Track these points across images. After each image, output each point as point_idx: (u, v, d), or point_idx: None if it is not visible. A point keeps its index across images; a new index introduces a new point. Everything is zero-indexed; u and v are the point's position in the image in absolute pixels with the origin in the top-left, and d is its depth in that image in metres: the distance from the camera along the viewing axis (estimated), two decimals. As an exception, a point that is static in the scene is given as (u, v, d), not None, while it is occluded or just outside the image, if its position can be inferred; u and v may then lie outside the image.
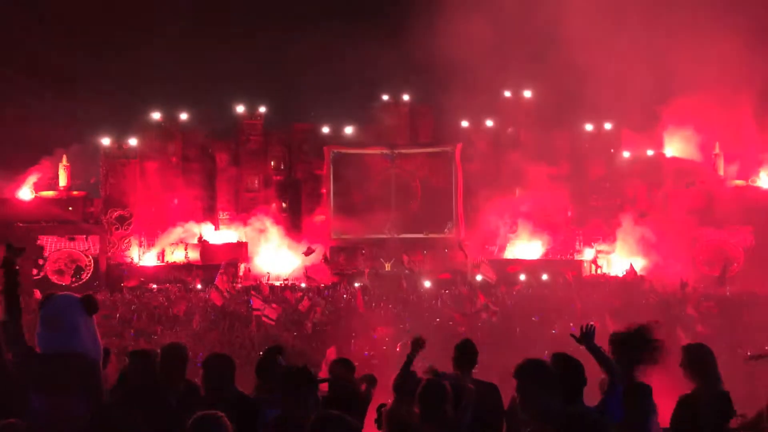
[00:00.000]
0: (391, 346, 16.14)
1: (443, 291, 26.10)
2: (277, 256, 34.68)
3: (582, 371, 4.30)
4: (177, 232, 35.58)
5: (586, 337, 4.43)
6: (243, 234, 36.17)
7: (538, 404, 3.89)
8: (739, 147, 34.20)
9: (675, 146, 35.90)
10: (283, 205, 38.13)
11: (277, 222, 36.33)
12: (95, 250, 32.51)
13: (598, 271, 32.38)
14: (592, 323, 4.53)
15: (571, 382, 4.19)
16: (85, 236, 32.54)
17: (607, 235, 34.52)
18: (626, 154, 36.31)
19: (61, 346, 4.11)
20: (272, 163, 39.04)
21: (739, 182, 33.80)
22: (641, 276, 28.32)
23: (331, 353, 12.61)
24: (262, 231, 35.82)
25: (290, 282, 30.17)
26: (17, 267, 4.29)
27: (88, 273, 32.06)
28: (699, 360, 4.92)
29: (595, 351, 4.41)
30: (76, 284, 31.01)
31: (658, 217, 32.03)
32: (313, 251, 32.84)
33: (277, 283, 29.28)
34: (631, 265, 28.93)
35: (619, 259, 32.88)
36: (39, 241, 31.56)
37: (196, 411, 3.55)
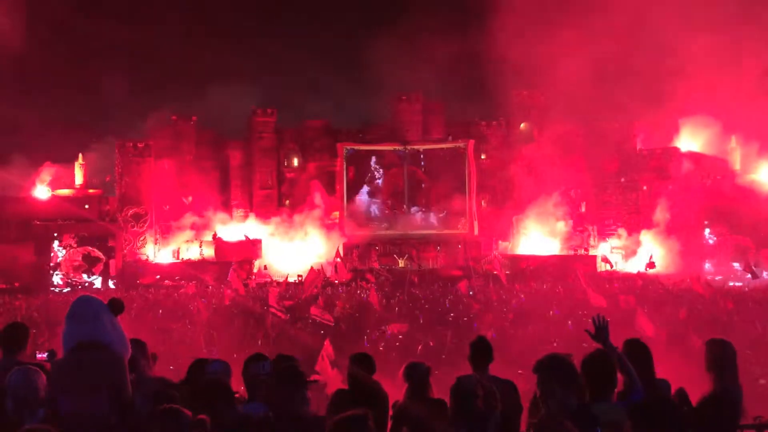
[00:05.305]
0: (404, 342, 16.08)
1: (455, 287, 25.95)
2: (291, 253, 34.72)
3: (614, 372, 4.10)
4: (191, 230, 35.78)
5: (600, 332, 4.20)
6: (258, 231, 36.30)
7: (557, 399, 3.86)
8: (759, 139, 33.86)
9: (691, 140, 35.56)
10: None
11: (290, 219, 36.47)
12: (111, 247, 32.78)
13: (613, 267, 32.15)
14: (604, 316, 4.25)
15: (602, 380, 4.06)
16: (100, 234, 32.81)
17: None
18: (640, 149, 36.06)
19: (84, 337, 4.17)
20: (285, 160, 39.16)
21: (755, 177, 33.42)
22: (655, 273, 27.99)
23: (327, 346, 12.56)
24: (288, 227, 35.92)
25: (303, 278, 30.13)
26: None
27: (102, 270, 32.28)
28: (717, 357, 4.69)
29: (610, 349, 4.19)
30: (90, 281, 31.31)
31: (673, 212, 31.74)
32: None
33: (291, 279, 29.34)
34: (650, 256, 28.58)
35: (635, 254, 32.64)
36: (54, 239, 31.87)
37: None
